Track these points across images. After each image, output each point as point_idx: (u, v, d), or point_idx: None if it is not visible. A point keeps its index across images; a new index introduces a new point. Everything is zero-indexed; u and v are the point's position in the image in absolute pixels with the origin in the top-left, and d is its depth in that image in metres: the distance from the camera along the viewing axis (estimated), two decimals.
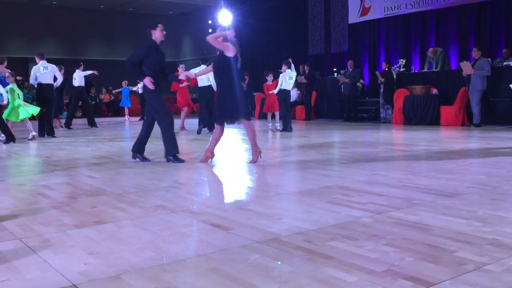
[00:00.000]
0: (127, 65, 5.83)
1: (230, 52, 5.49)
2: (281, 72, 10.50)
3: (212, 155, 5.84)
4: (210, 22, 21.04)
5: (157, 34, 5.82)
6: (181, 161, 5.88)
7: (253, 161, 5.72)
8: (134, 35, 21.72)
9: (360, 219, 3.09)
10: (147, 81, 5.70)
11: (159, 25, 5.86)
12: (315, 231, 2.83)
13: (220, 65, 5.60)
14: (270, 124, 11.25)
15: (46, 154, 7.20)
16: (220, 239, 2.77)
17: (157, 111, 5.83)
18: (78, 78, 13.03)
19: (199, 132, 10.49)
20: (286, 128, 10.48)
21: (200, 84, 10.40)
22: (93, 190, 4.30)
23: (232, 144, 8.40)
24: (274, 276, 2.16)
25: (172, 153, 5.88)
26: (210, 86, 10.44)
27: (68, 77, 12.68)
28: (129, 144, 8.57)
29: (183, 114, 11.55)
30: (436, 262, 2.28)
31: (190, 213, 3.37)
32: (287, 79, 10.40)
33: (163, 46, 5.90)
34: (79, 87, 13.11)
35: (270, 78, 10.98)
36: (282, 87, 10.42)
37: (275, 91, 10.62)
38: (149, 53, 5.73)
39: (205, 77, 10.25)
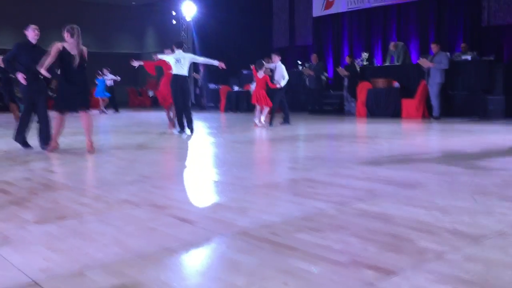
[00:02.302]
0: (3, 63, 6.60)
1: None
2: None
3: (57, 145, 6.28)
4: (174, 13, 20.78)
5: (30, 34, 6.37)
6: (28, 147, 6.51)
7: (87, 151, 6.06)
8: (96, 25, 21.24)
9: (325, 210, 3.13)
10: (20, 77, 6.19)
11: (31, 25, 6.45)
12: (281, 223, 2.85)
13: (62, 58, 5.90)
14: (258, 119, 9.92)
15: (4, 148, 6.97)
16: (186, 233, 2.75)
17: (24, 102, 6.50)
18: None
19: (180, 131, 8.65)
20: (288, 120, 10.11)
21: (175, 71, 8.45)
22: (55, 185, 4.20)
23: (197, 138, 8.35)
24: (240, 269, 2.16)
25: (17, 140, 6.53)
26: (185, 77, 8.46)
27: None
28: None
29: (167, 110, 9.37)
30: (398, 252, 2.34)
31: (155, 207, 3.34)
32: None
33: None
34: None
35: (261, 71, 9.82)
36: (286, 79, 9.83)
37: (283, 84, 9.80)
38: (20, 51, 6.33)
39: (180, 65, 8.39)
